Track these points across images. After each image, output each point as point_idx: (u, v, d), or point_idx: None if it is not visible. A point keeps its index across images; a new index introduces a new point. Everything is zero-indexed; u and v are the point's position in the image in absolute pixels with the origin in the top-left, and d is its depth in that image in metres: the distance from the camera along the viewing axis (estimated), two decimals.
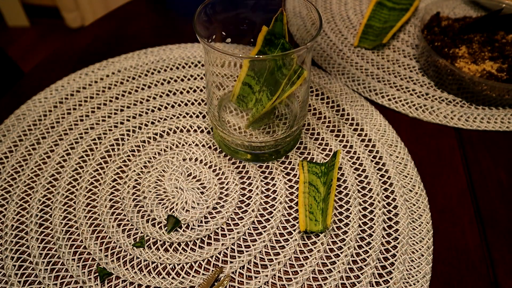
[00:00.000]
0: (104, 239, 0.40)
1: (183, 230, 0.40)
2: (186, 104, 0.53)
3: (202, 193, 0.43)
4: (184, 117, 0.51)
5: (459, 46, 0.57)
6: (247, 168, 0.46)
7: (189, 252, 0.39)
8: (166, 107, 0.52)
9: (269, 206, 0.42)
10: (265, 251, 0.39)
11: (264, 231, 0.40)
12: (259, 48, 0.43)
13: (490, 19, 0.58)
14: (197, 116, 0.51)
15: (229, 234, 0.40)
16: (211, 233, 0.40)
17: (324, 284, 0.37)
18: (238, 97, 0.46)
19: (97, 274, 0.37)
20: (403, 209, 0.42)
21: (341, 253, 0.39)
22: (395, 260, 0.38)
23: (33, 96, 0.54)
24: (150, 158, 0.47)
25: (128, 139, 0.49)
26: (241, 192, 0.43)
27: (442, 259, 0.39)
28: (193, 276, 0.37)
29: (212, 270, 0.37)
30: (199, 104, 0.53)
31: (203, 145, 0.48)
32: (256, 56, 0.41)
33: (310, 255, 0.39)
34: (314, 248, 0.39)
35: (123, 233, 0.40)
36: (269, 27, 0.42)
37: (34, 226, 0.41)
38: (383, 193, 0.44)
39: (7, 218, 0.41)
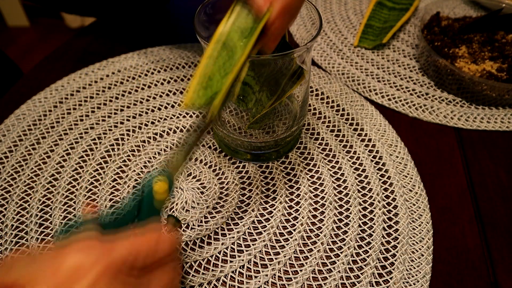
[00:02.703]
0: None
1: (183, 230, 0.40)
2: None
3: (202, 193, 0.43)
4: (184, 117, 0.51)
5: (459, 46, 0.57)
6: (247, 168, 0.46)
7: (189, 252, 0.39)
8: (166, 107, 0.52)
9: (269, 206, 0.42)
10: (265, 251, 0.39)
11: (264, 231, 0.40)
12: None
13: (490, 19, 0.58)
14: (197, 116, 0.51)
15: (229, 234, 0.40)
16: (211, 233, 0.40)
17: (324, 284, 0.37)
18: (238, 97, 0.46)
19: None
20: (403, 209, 0.42)
21: (341, 253, 0.39)
22: (395, 260, 0.38)
23: (33, 96, 0.54)
24: (150, 158, 0.47)
25: (128, 139, 0.49)
26: (241, 192, 0.43)
27: (442, 259, 0.39)
28: (193, 276, 0.37)
29: None
30: None
31: (203, 145, 0.48)
32: (256, 56, 0.41)
33: (310, 255, 0.39)
34: (314, 248, 0.39)
35: None
36: None
37: (34, 226, 0.41)
38: (383, 193, 0.44)
39: (7, 218, 0.41)
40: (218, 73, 0.31)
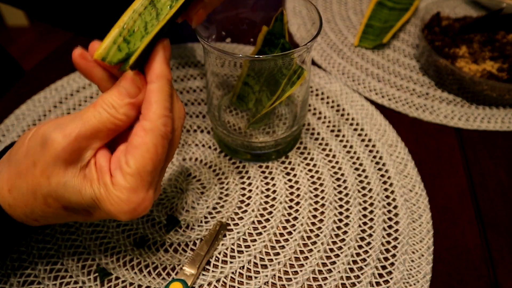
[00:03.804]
0: (104, 239, 0.40)
1: (183, 230, 0.40)
2: (186, 104, 0.53)
3: (202, 193, 0.43)
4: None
5: (460, 45, 0.57)
6: (247, 168, 0.45)
7: (189, 252, 0.39)
8: None
9: (269, 206, 0.42)
10: (265, 251, 0.39)
11: (264, 231, 0.40)
12: (259, 48, 0.43)
13: (491, 19, 0.58)
14: (197, 116, 0.51)
15: (229, 234, 0.40)
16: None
17: (324, 284, 0.37)
18: (238, 97, 0.46)
19: (97, 274, 0.37)
20: (403, 209, 0.42)
21: (341, 253, 0.39)
22: (395, 260, 0.38)
23: (33, 96, 0.54)
24: None
25: None
26: (241, 192, 0.43)
27: (442, 259, 0.39)
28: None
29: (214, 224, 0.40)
30: (199, 104, 0.53)
31: (203, 145, 0.48)
32: (256, 56, 0.41)
33: (310, 255, 0.39)
34: (314, 248, 0.39)
35: (123, 233, 0.40)
36: (269, 27, 0.41)
37: None
38: (383, 193, 0.44)
39: None
40: (142, 30, 0.29)
